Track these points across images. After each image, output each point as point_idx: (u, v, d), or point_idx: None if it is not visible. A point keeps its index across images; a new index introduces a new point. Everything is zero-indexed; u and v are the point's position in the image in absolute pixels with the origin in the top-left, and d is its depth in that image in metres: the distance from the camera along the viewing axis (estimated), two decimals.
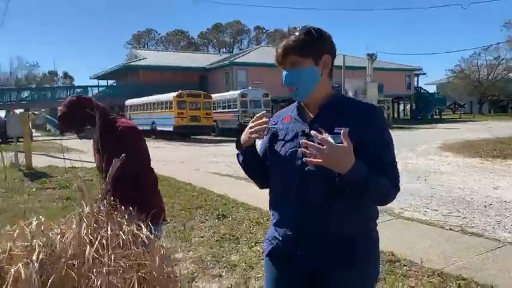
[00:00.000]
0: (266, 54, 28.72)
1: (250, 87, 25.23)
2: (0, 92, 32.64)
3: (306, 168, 1.41)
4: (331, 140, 1.29)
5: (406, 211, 5.57)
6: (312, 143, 1.26)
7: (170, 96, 21.88)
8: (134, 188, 2.29)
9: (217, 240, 4.53)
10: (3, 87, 29.72)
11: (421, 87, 41.18)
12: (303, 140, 1.31)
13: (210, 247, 4.32)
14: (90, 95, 32.20)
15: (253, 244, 4.32)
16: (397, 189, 1.42)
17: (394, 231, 4.41)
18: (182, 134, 21.48)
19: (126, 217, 1.86)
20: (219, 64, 33.31)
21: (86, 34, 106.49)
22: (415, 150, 12.73)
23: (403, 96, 38.44)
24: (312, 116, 1.50)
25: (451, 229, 4.73)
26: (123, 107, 27.82)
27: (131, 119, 26.08)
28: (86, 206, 1.85)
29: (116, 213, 1.84)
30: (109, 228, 1.73)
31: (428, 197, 6.43)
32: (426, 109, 38.63)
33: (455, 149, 12.94)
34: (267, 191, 1.64)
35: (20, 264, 1.33)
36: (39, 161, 11.01)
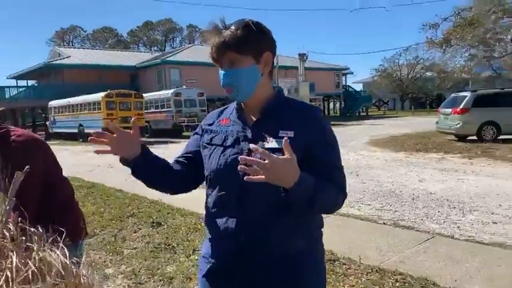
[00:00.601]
0: (200, 52, 28.25)
1: (184, 86, 24.72)
2: None
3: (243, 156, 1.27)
4: (276, 145, 1.21)
5: (342, 207, 5.66)
6: (251, 158, 1.11)
7: (98, 96, 20.73)
8: (45, 204, 1.99)
9: (151, 251, 4.25)
10: None
11: (349, 86, 43.23)
12: (241, 157, 1.14)
13: (144, 259, 4.03)
14: (7, 96, 29.58)
15: (190, 253, 4.10)
16: (345, 194, 1.34)
17: (333, 229, 4.44)
18: None
19: (37, 241, 1.59)
20: (151, 63, 32.25)
21: (1, 31, 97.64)
22: (345, 146, 13.20)
23: (332, 94, 40.05)
24: (253, 118, 1.37)
25: (384, 223, 4.89)
26: (46, 109, 25.87)
27: (55, 121, 24.51)
28: None
29: (23, 238, 1.56)
30: (14, 257, 1.45)
31: (361, 192, 6.63)
32: (354, 106, 40.56)
33: (381, 144, 13.65)
34: (204, 193, 1.46)
35: None
36: None
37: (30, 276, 1.43)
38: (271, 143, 1.28)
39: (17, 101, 29.42)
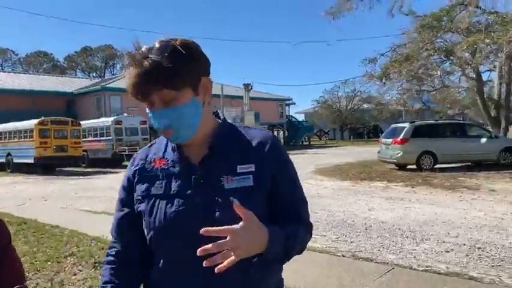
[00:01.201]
0: None
1: (125, 114, 23.85)
2: None
3: (204, 229, 0.97)
4: (238, 184, 1.05)
5: None
6: (209, 246, 0.89)
7: (31, 123, 19.25)
8: None
9: None
10: None
11: (292, 116, 44.45)
12: (200, 250, 0.89)
13: None
14: None
15: None
16: (310, 230, 1.18)
17: (292, 264, 4.23)
18: (45, 166, 18.94)
19: None
20: (90, 89, 30.96)
21: None
22: None
23: (276, 124, 40.82)
24: (198, 155, 1.10)
25: (343, 255, 4.79)
26: None
27: None
28: None
29: None
30: None
31: (314, 222, 6.49)
32: (297, 136, 41.58)
33: (327, 173, 13.91)
34: None
35: None
36: None
37: None
38: (231, 183, 1.06)
39: None
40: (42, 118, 19.33)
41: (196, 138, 1.09)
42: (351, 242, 5.41)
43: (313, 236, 4.70)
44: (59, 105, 29.32)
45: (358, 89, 46.50)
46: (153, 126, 1.07)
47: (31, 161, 18.70)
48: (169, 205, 1.06)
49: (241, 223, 0.92)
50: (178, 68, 0.99)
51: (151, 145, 1.21)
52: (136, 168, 1.16)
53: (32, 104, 27.22)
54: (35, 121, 19.09)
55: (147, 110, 1.06)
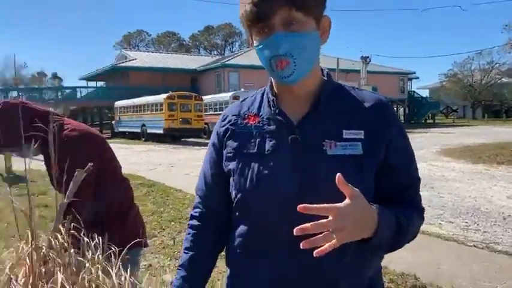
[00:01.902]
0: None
1: (242, 89, 24.74)
2: None
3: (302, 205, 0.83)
4: (343, 151, 0.89)
5: None
6: (308, 226, 0.74)
7: (160, 98, 21.27)
8: (100, 208, 1.72)
9: None
10: None
11: (414, 91, 40.99)
12: (296, 228, 0.74)
13: None
14: (78, 96, 31.42)
15: None
16: (423, 216, 1.00)
17: (412, 249, 3.88)
18: (172, 136, 20.85)
19: (90, 254, 1.30)
20: (211, 66, 32.77)
21: (76, 34, 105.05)
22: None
23: (396, 100, 38.16)
24: (298, 113, 0.95)
25: (474, 246, 4.22)
26: (112, 109, 27.09)
27: (120, 121, 25.54)
28: (32, 240, 1.29)
29: (72, 249, 1.28)
30: (60, 277, 1.16)
31: (439, 207, 5.92)
32: (419, 113, 38.40)
33: (455, 154, 12.53)
34: None
35: None
36: (20, 165, 10.34)
37: None
38: (335, 149, 0.90)
39: (87, 101, 31.15)
40: (170, 93, 21.16)
41: (299, 88, 0.95)
42: (484, 231, 4.74)
43: (437, 220, 4.23)
44: (184, 81, 31.71)
45: (496, 61, 40.60)
46: (263, 56, 0.92)
47: (161, 131, 20.72)
48: (263, 166, 0.93)
49: (346, 201, 0.76)
50: None
51: (244, 100, 1.08)
52: (228, 124, 1.04)
53: (162, 80, 29.92)
54: (164, 96, 21.00)
55: (256, 43, 0.93)
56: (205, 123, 22.47)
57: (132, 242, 1.55)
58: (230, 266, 1.05)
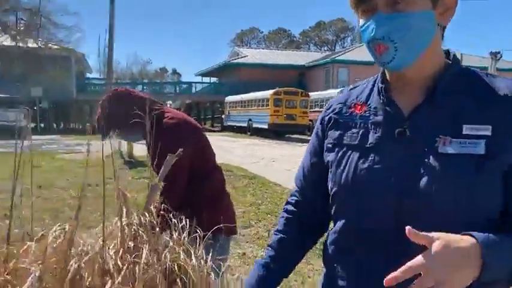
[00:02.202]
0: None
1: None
2: (117, 86, 35.88)
3: (408, 202, 0.79)
4: (459, 150, 0.76)
5: None
6: (399, 274, 0.66)
7: (267, 93, 21.80)
8: (191, 193, 1.80)
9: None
10: (119, 81, 32.58)
11: None
12: (387, 279, 0.67)
13: None
14: (193, 91, 33.83)
15: None
16: None
17: None
18: (277, 132, 21.23)
19: (176, 234, 1.36)
20: (320, 62, 32.54)
21: (194, 31, 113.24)
22: None
23: None
24: (410, 103, 0.84)
25: None
26: (223, 104, 28.61)
27: (229, 115, 26.86)
28: (124, 216, 1.40)
29: (157, 229, 1.35)
30: (145, 252, 1.24)
31: None
32: None
33: None
34: None
35: None
36: (140, 149, 11.50)
37: (157, 278, 1.19)
38: (449, 146, 0.78)
39: (201, 95, 33.37)
40: (277, 89, 21.55)
41: (413, 73, 0.84)
42: None
43: None
44: (292, 77, 32.01)
45: None
46: (363, 40, 0.85)
47: (265, 126, 21.26)
48: (363, 159, 0.86)
49: (427, 251, 0.66)
50: None
51: (354, 87, 1.01)
52: (332, 112, 0.98)
53: (270, 76, 30.63)
54: (270, 91, 21.47)
55: (361, 22, 0.85)
56: (310, 120, 22.39)
57: (217, 227, 1.58)
58: (325, 263, 0.99)
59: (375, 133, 0.86)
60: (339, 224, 0.91)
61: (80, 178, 6.31)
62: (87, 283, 1.08)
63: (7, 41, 21.04)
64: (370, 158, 0.85)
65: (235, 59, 35.34)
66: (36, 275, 0.99)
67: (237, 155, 11.73)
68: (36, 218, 1.25)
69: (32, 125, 22.61)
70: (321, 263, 1.04)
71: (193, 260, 1.24)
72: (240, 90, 27.11)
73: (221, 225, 1.64)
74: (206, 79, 40.73)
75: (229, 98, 27.68)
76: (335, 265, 0.93)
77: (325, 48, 63.28)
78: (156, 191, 1.53)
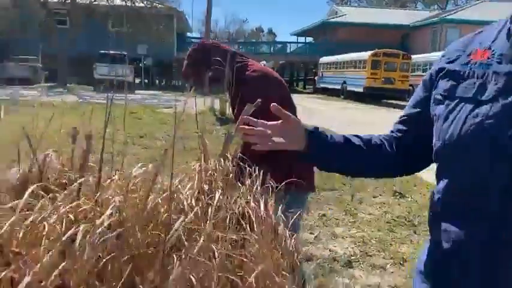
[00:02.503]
0: (489, 10, 23.87)
1: None
2: None
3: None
4: None
5: None
6: None
7: (365, 55, 20.70)
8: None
9: (387, 222, 3.78)
10: (216, 39, 33.54)
11: None
12: None
13: (377, 229, 3.62)
14: (288, 51, 33.49)
15: None
16: None
17: None
18: (372, 96, 20.19)
19: (248, 187, 1.37)
20: (427, 22, 29.80)
21: None
22: None
23: None
24: None
25: None
26: (317, 65, 27.95)
27: (323, 77, 26.23)
28: (203, 160, 1.45)
29: (231, 176, 1.37)
30: (217, 195, 1.27)
31: None
32: None
33: None
34: None
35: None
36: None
37: (227, 222, 1.23)
38: None
39: (295, 56, 32.93)
40: (376, 50, 20.34)
41: None
42: None
43: None
44: (393, 38, 29.84)
45: None
46: None
47: (361, 90, 20.37)
48: (474, 113, 0.75)
49: None
50: None
51: (480, 32, 0.86)
52: (445, 61, 0.86)
53: (369, 37, 28.85)
54: (368, 53, 20.36)
55: None
56: (410, 85, 20.89)
57: (293, 181, 1.56)
58: (430, 226, 0.90)
59: (495, 84, 0.74)
60: (443, 183, 0.82)
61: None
62: (163, 218, 1.15)
63: (117, 1, 22.66)
64: (483, 112, 0.74)
65: (333, 18, 33.90)
66: (116, 205, 1.08)
67: (327, 116, 11.50)
68: (132, 163, 1.36)
69: (137, 80, 24.64)
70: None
71: (262, 208, 1.26)
72: (336, 51, 26.06)
73: (301, 181, 1.63)
74: (301, 39, 39.90)
75: (324, 59, 26.90)
76: (439, 228, 0.85)
77: (435, 6, 57.50)
78: (231, 140, 1.56)
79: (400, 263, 2.99)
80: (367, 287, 2.66)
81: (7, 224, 0.85)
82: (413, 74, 21.08)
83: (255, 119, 0.98)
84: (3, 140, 1.40)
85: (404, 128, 0.99)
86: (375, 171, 1.09)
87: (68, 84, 19.74)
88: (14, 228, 0.88)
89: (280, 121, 0.95)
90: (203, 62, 1.89)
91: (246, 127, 0.99)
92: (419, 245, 3.27)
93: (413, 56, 21.17)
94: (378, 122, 11.64)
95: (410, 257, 3.04)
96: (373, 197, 4.53)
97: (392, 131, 1.03)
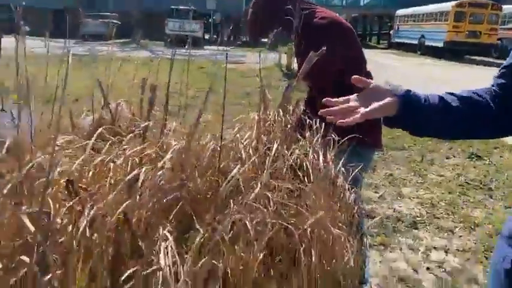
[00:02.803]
0: None
1: None
2: None
3: None
4: None
5: None
6: None
7: (447, 5, 18.85)
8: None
9: (460, 185, 3.57)
10: None
11: None
12: None
13: (448, 191, 3.43)
14: (361, 4, 31.59)
15: None
16: None
17: None
18: (454, 51, 18.50)
19: (308, 135, 1.34)
20: None
21: None
22: None
23: None
24: None
25: None
26: (393, 18, 26.09)
27: (398, 31, 24.50)
28: (261, 110, 1.43)
29: (289, 127, 1.34)
30: (275, 146, 1.26)
31: None
32: None
33: None
34: None
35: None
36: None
37: (283, 172, 1.22)
38: None
39: (369, 9, 30.97)
40: (461, 0, 18.42)
41: None
42: None
43: None
44: None
45: None
46: None
47: (440, 44, 18.76)
48: None
49: None
50: None
51: None
52: None
53: None
54: (452, 3, 18.53)
55: None
56: (499, 39, 18.83)
57: (357, 136, 1.50)
58: None
59: None
60: None
61: (238, 86, 6.77)
62: (221, 165, 1.18)
63: None
64: None
65: None
66: (176, 148, 1.12)
67: (401, 73, 10.84)
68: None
69: (206, 36, 24.87)
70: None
71: (320, 161, 1.23)
72: (415, 3, 24.06)
73: (366, 138, 1.56)
74: None
75: (401, 12, 24.97)
76: None
77: None
78: (291, 90, 1.52)
79: (471, 227, 2.83)
80: (433, 248, 2.57)
81: (77, 162, 0.92)
82: (503, 26, 18.91)
83: (333, 99, 0.91)
84: (81, 92, 1.49)
85: (505, 82, 0.88)
86: (475, 134, 0.99)
87: (141, 40, 20.51)
88: (84, 167, 0.95)
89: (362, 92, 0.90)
90: (269, 11, 1.83)
91: (326, 110, 0.91)
92: (495, 211, 3.06)
93: (504, 7, 18.87)
94: (460, 80, 10.75)
95: (483, 222, 2.86)
96: (446, 158, 4.27)
97: (492, 85, 0.92)
